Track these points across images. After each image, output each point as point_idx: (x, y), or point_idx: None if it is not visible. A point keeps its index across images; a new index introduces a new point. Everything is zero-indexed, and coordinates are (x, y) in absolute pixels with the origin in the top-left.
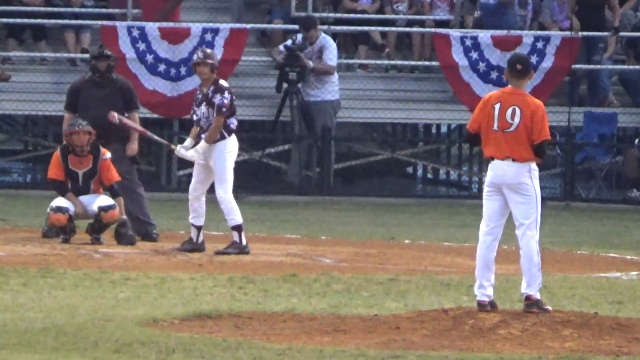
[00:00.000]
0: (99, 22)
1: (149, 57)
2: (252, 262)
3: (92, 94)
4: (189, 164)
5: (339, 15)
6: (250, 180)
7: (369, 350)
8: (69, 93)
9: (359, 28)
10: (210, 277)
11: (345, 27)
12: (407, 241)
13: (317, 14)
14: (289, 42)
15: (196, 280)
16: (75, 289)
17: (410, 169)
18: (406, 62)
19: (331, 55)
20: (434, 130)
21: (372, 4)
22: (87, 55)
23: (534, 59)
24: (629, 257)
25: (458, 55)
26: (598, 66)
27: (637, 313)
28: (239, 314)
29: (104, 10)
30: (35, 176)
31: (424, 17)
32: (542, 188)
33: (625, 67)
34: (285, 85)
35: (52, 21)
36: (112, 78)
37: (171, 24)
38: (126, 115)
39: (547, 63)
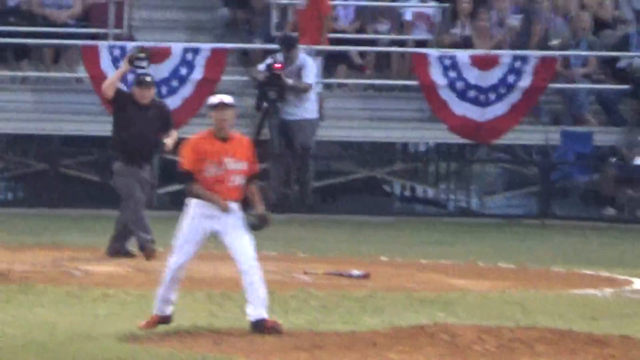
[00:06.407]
0: (80, 42)
1: (131, 77)
2: (230, 279)
3: (136, 114)
4: None
5: None
6: None
7: None
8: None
9: (338, 48)
10: (189, 294)
11: (325, 47)
12: (384, 258)
13: (296, 33)
14: (269, 60)
15: None
16: (56, 306)
17: (388, 187)
18: (385, 82)
19: (309, 74)
20: (411, 149)
21: (352, 23)
22: (71, 75)
23: (511, 78)
24: (603, 274)
25: (436, 75)
26: (575, 85)
27: (612, 329)
28: (218, 330)
29: (85, 30)
30: (17, 194)
31: (403, 37)
32: (517, 206)
33: (603, 86)
34: (265, 104)
35: (34, 41)
36: (155, 102)
37: (155, 44)
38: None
39: (525, 82)
